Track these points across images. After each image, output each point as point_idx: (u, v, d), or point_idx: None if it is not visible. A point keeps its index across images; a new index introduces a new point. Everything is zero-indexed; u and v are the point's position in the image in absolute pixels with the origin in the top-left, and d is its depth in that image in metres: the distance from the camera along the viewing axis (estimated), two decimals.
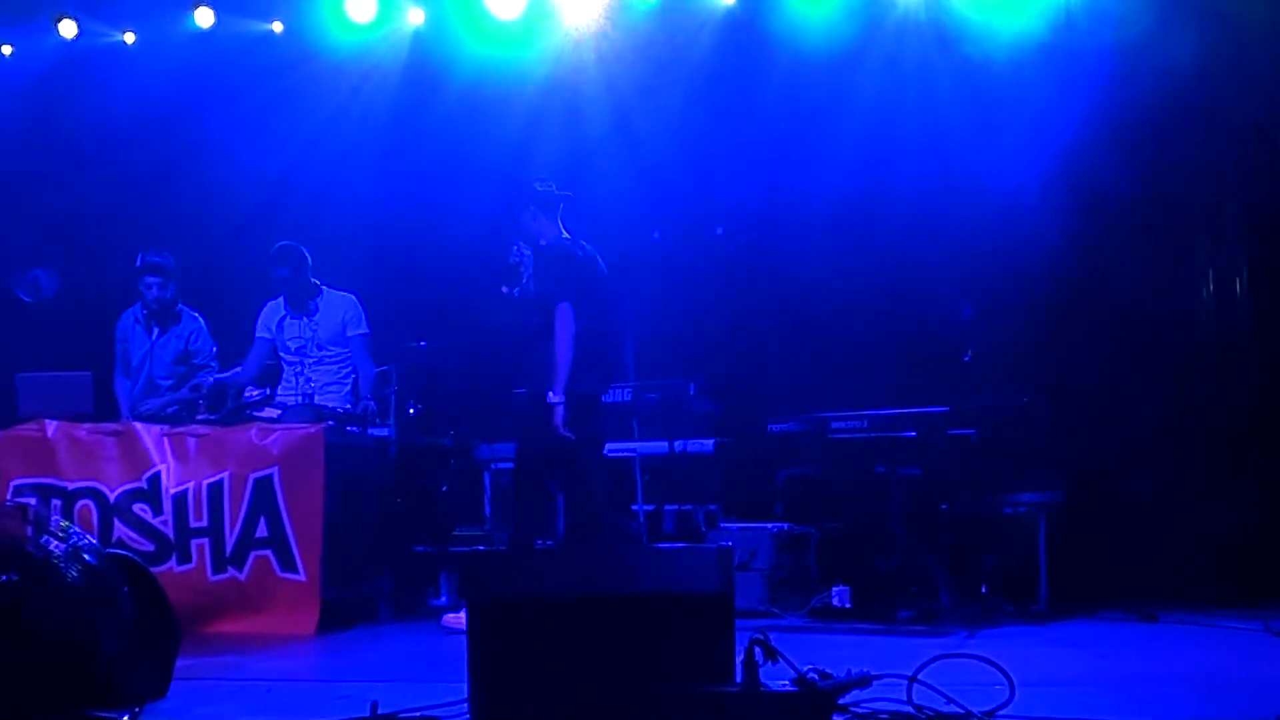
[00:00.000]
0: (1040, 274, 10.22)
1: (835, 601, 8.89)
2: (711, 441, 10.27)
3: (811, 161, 10.81)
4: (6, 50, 13.06)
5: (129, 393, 10.37)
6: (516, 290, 8.84)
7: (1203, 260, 10.42)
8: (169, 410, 9.88)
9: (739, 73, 11.34)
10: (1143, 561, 9.44)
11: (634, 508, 10.49)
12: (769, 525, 9.75)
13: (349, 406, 9.72)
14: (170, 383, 10.26)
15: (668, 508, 10.44)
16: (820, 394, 9.86)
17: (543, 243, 8.77)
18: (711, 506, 10.47)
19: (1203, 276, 10.42)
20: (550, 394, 8.41)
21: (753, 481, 10.45)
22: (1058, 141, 10.18)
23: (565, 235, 8.84)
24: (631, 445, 10.45)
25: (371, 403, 9.72)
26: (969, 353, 9.49)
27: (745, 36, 11.35)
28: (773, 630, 7.11)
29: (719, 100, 11.34)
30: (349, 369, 9.94)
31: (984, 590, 9.08)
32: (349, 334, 9.90)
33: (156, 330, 10.32)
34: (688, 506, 10.45)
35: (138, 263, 10.24)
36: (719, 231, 11.39)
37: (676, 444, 10.15)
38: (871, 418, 9.37)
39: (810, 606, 9.13)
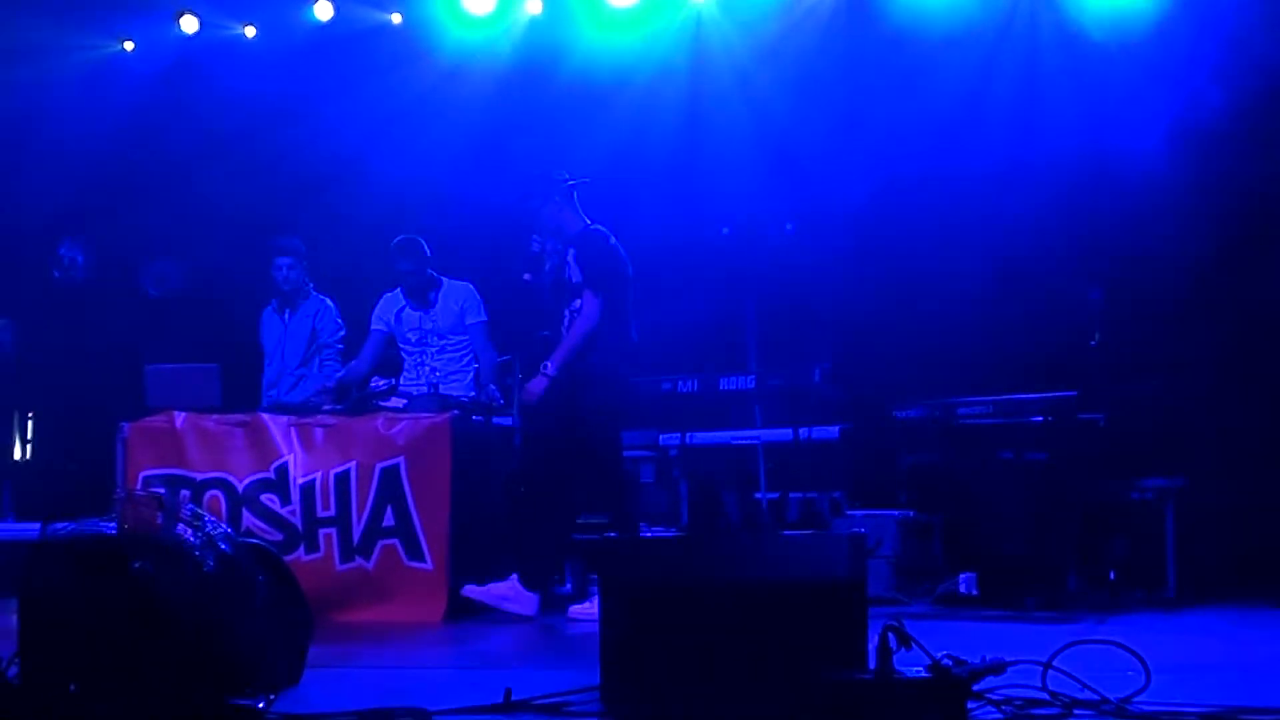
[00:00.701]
0: (1169, 257, 10.07)
1: (962, 588, 8.83)
2: (837, 428, 10.21)
3: (937, 146, 10.73)
4: (129, 46, 13.25)
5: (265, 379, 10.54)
6: (538, 277, 8.93)
7: None
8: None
9: (857, 55, 11.29)
10: (1273, 548, 9.29)
11: (756, 496, 10.47)
12: (894, 512, 9.70)
13: (473, 395, 9.75)
14: (298, 364, 10.39)
15: (792, 495, 10.41)
16: (945, 380, 9.82)
17: (574, 230, 8.88)
18: (836, 494, 10.43)
19: None
20: (548, 364, 8.63)
21: (877, 468, 10.40)
22: (1187, 123, 10.04)
23: (590, 223, 8.94)
24: (755, 433, 10.44)
25: (495, 389, 9.76)
26: (1096, 337, 9.39)
27: (860, 16, 11.30)
28: (900, 618, 7.08)
29: (839, 83, 11.29)
30: (470, 357, 9.98)
31: (1112, 577, 9.00)
32: (468, 322, 9.94)
33: (288, 313, 10.53)
34: (812, 494, 10.41)
35: (270, 248, 10.40)
36: (789, 229, 11.32)
37: (802, 431, 10.11)
38: (998, 403, 9.31)
39: (936, 594, 9.08)
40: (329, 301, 10.60)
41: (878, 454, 10.33)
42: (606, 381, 8.68)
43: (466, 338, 9.97)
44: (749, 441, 10.42)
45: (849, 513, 10.04)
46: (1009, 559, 8.99)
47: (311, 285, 10.59)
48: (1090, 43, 10.59)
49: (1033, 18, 10.89)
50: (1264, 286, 9.97)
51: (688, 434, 10.54)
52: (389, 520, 8.72)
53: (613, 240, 8.86)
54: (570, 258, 8.79)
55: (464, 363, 9.98)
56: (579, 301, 8.70)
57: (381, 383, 9.57)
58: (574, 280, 8.73)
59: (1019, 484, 9.16)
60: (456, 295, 9.99)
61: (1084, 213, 10.29)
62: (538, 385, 8.65)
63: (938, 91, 10.88)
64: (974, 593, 8.82)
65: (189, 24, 12.80)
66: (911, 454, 9.99)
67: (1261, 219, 10.04)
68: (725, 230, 11.41)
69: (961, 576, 8.85)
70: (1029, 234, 10.38)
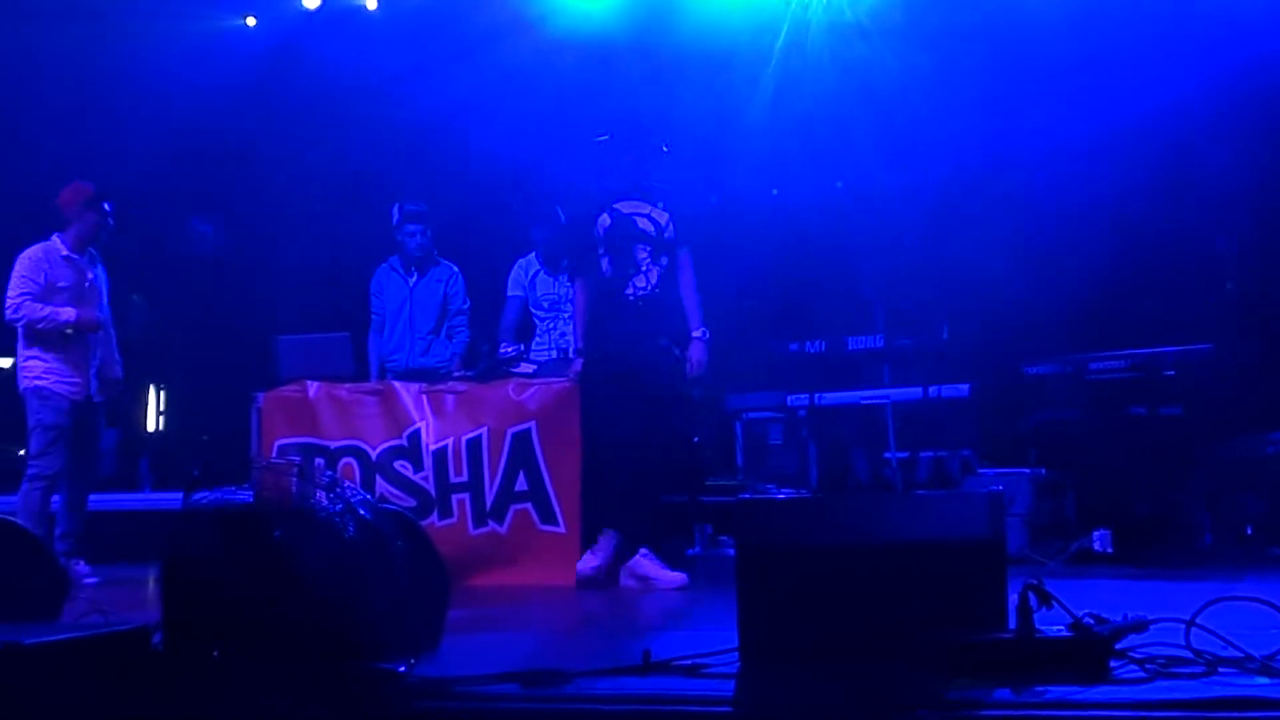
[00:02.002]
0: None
1: (1096, 546, 8.77)
2: (967, 386, 10.17)
3: (1064, 100, 10.62)
4: (251, 21, 13.40)
5: (385, 342, 10.62)
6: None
7: None
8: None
9: (984, 11, 11.18)
10: None
11: (886, 455, 10.46)
12: (1026, 470, 9.65)
13: None
14: (430, 329, 10.46)
15: (923, 455, 10.38)
16: (1076, 335, 9.74)
17: (666, 189, 8.84)
18: (965, 452, 10.39)
19: None
20: (701, 330, 8.61)
21: (1005, 426, 10.35)
22: None
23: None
24: (884, 392, 10.43)
25: None
26: (1227, 287, 9.28)
27: None
28: (1031, 575, 7.05)
29: (968, 42, 11.19)
30: None
31: (1249, 532, 8.90)
32: None
33: (415, 275, 10.55)
34: (943, 453, 10.38)
35: (396, 215, 10.46)
36: (839, 185, 11.27)
37: (931, 389, 10.08)
38: (1130, 357, 9.24)
39: (1070, 552, 9.02)
40: (456, 268, 10.67)
41: (1007, 411, 10.27)
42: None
43: None
44: (878, 401, 10.40)
45: (980, 471, 10.00)
46: (1143, 516, 8.92)
47: (435, 251, 10.66)
48: None
49: None
50: None
51: (816, 394, 10.54)
52: (521, 485, 8.80)
53: None
54: (657, 214, 8.73)
55: None
56: (667, 258, 8.69)
57: (510, 349, 9.65)
58: (668, 238, 8.68)
59: (1152, 440, 9.08)
60: None
61: (1208, 162, 10.13)
62: (702, 352, 8.65)
63: (1043, 53, 10.74)
64: (1108, 550, 8.75)
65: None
66: (1041, 411, 9.92)
67: None
68: (839, 184, 11.39)
69: (1095, 534, 8.78)
70: (1159, 186, 10.25)
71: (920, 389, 10.11)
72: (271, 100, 13.26)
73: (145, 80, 12.74)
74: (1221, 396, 9.08)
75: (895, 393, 10.37)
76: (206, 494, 5.20)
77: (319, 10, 13.05)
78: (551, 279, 10.06)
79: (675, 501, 9.94)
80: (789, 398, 10.64)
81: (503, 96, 12.41)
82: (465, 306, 10.65)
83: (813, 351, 10.62)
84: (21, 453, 9.79)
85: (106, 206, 9.53)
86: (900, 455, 10.38)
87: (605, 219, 8.71)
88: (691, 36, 11.86)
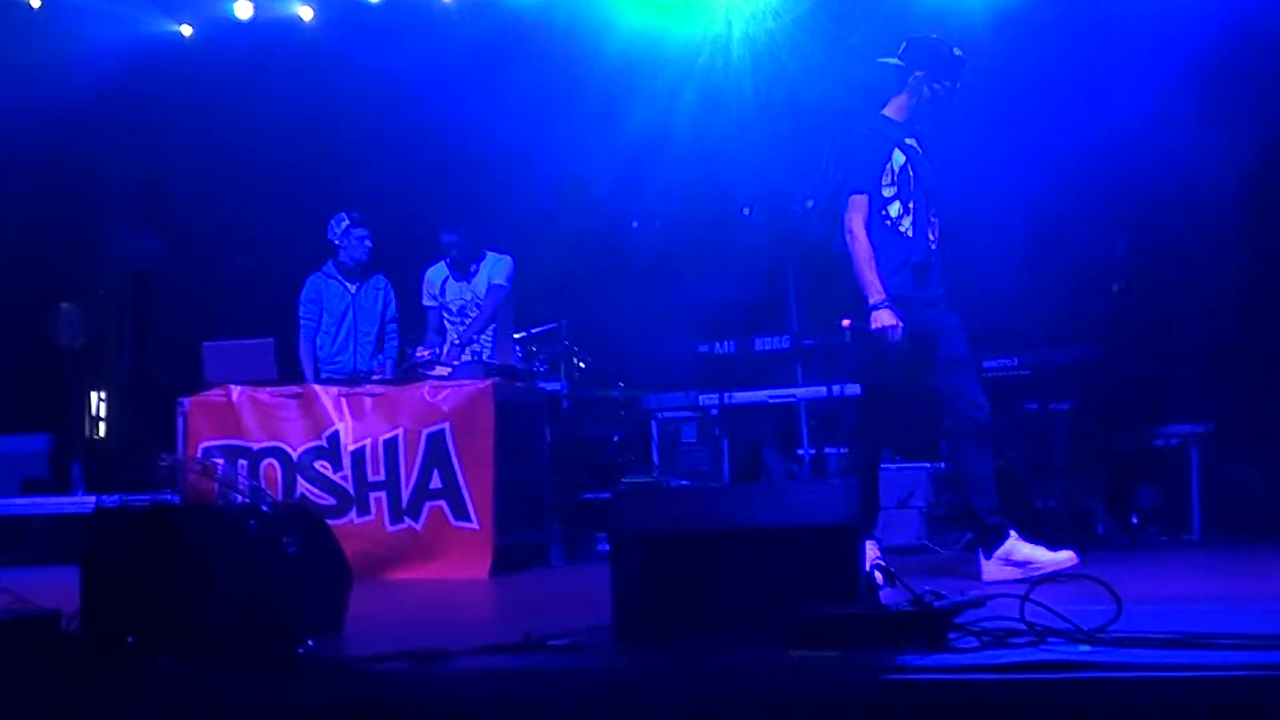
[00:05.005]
0: (1189, 205, 10.24)
1: None
2: None
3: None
4: (187, 30, 13.59)
5: (322, 347, 10.82)
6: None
7: None
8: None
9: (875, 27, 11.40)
10: None
11: (799, 452, 10.77)
12: (927, 465, 9.98)
13: (516, 362, 10.06)
14: (373, 334, 10.72)
15: (830, 450, 10.68)
16: (975, 336, 10.02)
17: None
18: None
19: None
20: (871, 298, 7.37)
21: (918, 423, 10.62)
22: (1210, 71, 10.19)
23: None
24: (794, 391, 10.72)
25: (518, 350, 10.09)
26: (1117, 286, 9.61)
27: None
28: (927, 564, 7.40)
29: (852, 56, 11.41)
30: (511, 326, 10.29)
31: (1135, 521, 9.25)
32: (492, 282, 10.26)
33: (355, 284, 10.79)
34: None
35: (343, 220, 10.65)
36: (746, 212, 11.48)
37: (835, 388, 10.38)
38: (1024, 356, 9.56)
39: (965, 541, 9.35)
40: (386, 279, 10.89)
41: (916, 409, 10.55)
42: None
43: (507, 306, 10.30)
44: (787, 400, 10.71)
45: (884, 466, 10.30)
46: (1039, 507, 9.23)
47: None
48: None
49: None
50: None
51: (727, 394, 10.83)
52: (436, 483, 9.09)
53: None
54: (927, 157, 7.66)
55: (506, 331, 10.29)
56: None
57: (426, 352, 9.92)
58: (931, 185, 7.64)
59: (1046, 435, 9.41)
60: (494, 266, 10.30)
61: (1104, 171, 10.43)
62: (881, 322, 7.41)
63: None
64: None
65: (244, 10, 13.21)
66: None
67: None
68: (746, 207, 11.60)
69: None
70: (1052, 189, 10.52)
71: (826, 387, 10.39)
72: (206, 110, 13.41)
73: (77, 88, 12.89)
74: (1112, 392, 9.41)
75: (805, 391, 10.65)
76: (122, 495, 5.56)
77: (255, 20, 13.24)
78: (459, 283, 10.30)
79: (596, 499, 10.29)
80: (701, 397, 10.93)
81: (419, 105, 12.62)
82: (397, 315, 10.88)
83: (722, 353, 10.90)
84: None
85: None
86: (811, 452, 10.68)
87: None
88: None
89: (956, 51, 7.50)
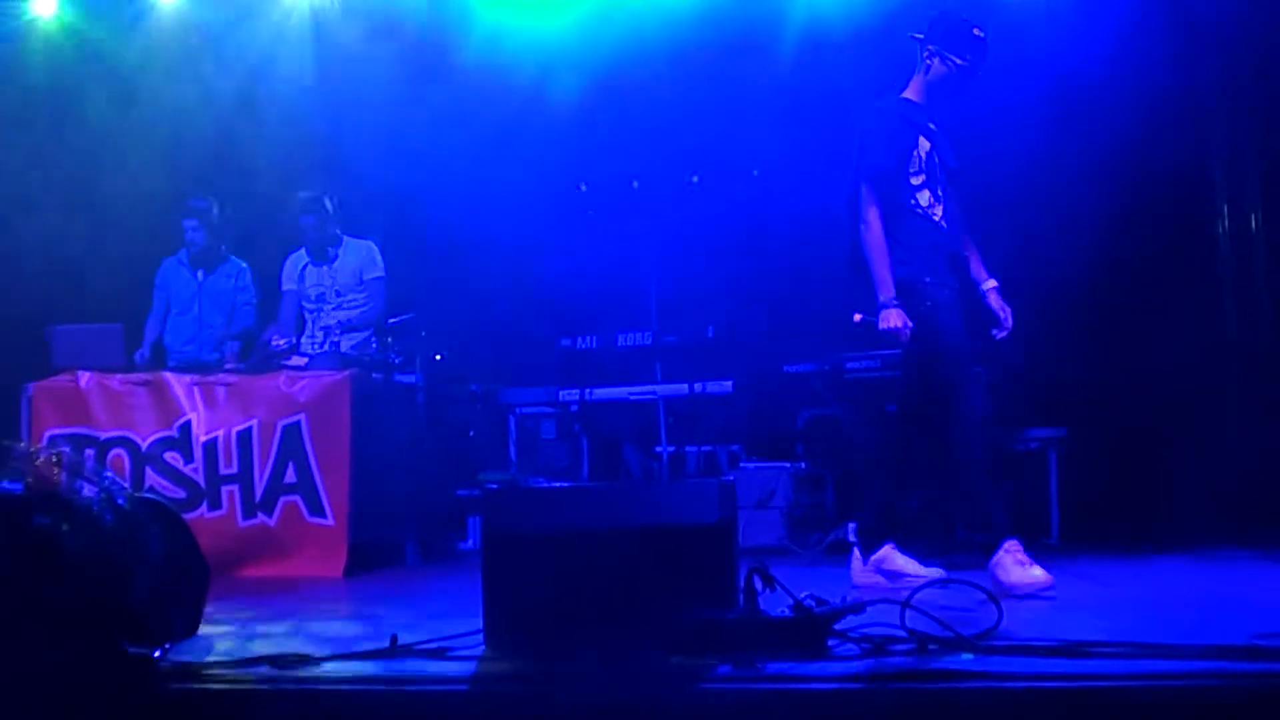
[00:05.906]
0: (1047, 206, 10.30)
1: (850, 537, 9.05)
2: (730, 382, 10.40)
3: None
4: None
5: (170, 333, 10.61)
6: None
7: (1219, 196, 10.54)
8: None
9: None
10: (1151, 494, 9.59)
11: (657, 449, 10.70)
12: (787, 465, 9.96)
13: (373, 353, 9.90)
14: (223, 323, 10.47)
15: (690, 449, 10.64)
16: (839, 337, 10.00)
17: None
18: (734, 447, 10.65)
19: (1218, 212, 10.54)
20: (880, 295, 7.09)
21: (776, 423, 10.60)
22: (1073, 72, 10.24)
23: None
24: (653, 388, 10.64)
25: (373, 341, 9.97)
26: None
27: None
28: (788, 565, 7.33)
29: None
30: (370, 315, 10.12)
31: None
32: (365, 278, 10.11)
33: (202, 272, 10.56)
34: (710, 448, 10.64)
35: (184, 209, 10.47)
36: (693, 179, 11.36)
37: (696, 385, 10.33)
38: (884, 357, 9.54)
39: (827, 542, 9.35)
40: (245, 265, 10.67)
41: (776, 409, 10.53)
42: None
43: (365, 294, 10.12)
44: (647, 398, 10.62)
45: (744, 465, 10.29)
46: (902, 508, 9.22)
47: (224, 246, 10.65)
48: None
49: None
50: (1146, 238, 10.25)
51: (587, 390, 10.73)
52: (291, 477, 8.89)
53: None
54: (945, 139, 7.44)
55: (364, 319, 10.11)
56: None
57: (282, 341, 9.71)
58: (954, 166, 7.45)
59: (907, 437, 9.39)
60: (356, 252, 10.14)
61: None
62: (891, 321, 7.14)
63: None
64: None
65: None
66: (808, 409, 10.23)
67: (1143, 170, 10.25)
68: (635, 184, 11.50)
69: (850, 525, 9.06)
70: None
71: (687, 385, 10.34)
72: (50, 88, 13.07)
73: None
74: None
75: (664, 389, 10.58)
76: None
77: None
78: (318, 269, 10.14)
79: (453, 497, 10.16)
80: (561, 392, 10.81)
81: (292, 94, 12.39)
82: (251, 302, 10.60)
83: (584, 348, 10.80)
84: None
85: None
86: (670, 450, 10.62)
87: None
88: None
89: (977, 32, 7.26)
